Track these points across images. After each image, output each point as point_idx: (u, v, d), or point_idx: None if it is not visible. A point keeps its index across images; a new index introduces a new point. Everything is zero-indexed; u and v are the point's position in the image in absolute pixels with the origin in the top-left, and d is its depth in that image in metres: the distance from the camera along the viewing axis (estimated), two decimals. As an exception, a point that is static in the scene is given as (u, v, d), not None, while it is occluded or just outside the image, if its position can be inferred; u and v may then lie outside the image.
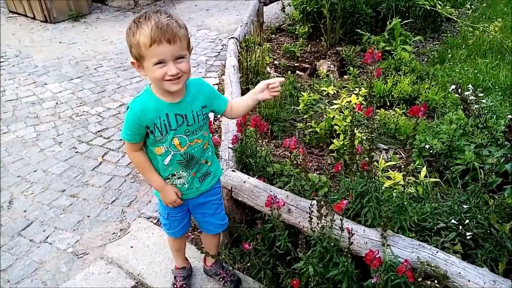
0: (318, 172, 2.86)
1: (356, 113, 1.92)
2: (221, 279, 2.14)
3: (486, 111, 3.15)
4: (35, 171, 3.14)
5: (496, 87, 3.89)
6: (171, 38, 1.39)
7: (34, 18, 6.84)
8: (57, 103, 4.17)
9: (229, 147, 2.38)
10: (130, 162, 3.24)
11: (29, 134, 3.62)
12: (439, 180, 2.57)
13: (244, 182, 2.09)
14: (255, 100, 1.74)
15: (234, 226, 2.18)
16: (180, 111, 1.58)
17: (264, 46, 4.43)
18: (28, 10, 6.83)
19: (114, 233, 2.57)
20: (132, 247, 2.44)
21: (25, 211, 2.75)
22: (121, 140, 3.53)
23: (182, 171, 1.70)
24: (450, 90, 2.32)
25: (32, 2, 6.63)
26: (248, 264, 2.13)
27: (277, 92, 1.67)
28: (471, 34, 5.26)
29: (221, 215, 1.97)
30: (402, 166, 2.69)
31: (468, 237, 1.88)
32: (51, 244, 2.50)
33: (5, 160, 3.26)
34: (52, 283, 2.25)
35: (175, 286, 2.12)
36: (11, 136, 3.59)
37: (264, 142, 3.17)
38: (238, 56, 3.96)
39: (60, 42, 5.91)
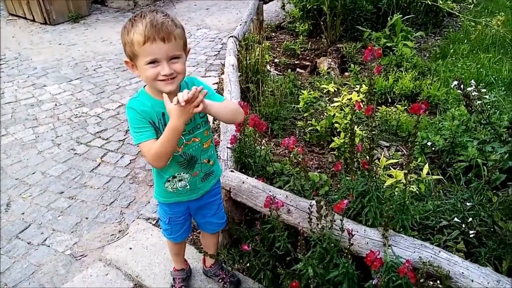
0: (319, 170, 2.82)
1: (356, 111, 1.88)
2: (220, 280, 2.11)
3: (489, 106, 3.10)
4: (33, 173, 3.12)
5: (499, 82, 3.84)
6: (166, 36, 1.35)
7: (33, 20, 6.83)
8: (56, 104, 4.15)
9: (227, 147, 2.34)
10: (129, 163, 3.21)
11: (28, 136, 3.59)
12: (442, 177, 2.52)
13: (243, 182, 2.05)
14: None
15: (233, 227, 2.15)
16: None
17: (263, 45, 4.39)
18: (28, 12, 6.82)
19: (112, 234, 2.55)
20: (130, 248, 2.41)
21: (23, 213, 2.72)
22: (120, 141, 3.51)
23: (184, 173, 1.67)
24: (452, 85, 2.28)
25: (32, 4, 6.61)
26: (248, 265, 2.10)
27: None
28: (473, 28, 5.20)
29: (221, 214, 1.97)
30: (404, 164, 2.65)
31: (471, 235, 1.84)
32: (49, 246, 2.47)
33: (4, 162, 3.24)
34: (50, 285, 2.22)
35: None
36: (9, 138, 3.57)
37: (264, 141, 3.14)
38: (238, 55, 3.93)
39: (59, 44, 5.89)
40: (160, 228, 2.51)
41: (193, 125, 1.61)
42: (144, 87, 1.57)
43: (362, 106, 1.84)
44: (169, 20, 1.38)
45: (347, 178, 1.91)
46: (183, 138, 1.58)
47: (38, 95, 4.35)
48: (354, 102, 2.81)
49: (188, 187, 1.72)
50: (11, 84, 4.61)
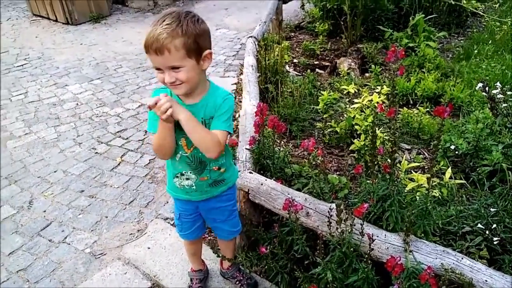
0: (338, 173, 2.79)
1: (378, 113, 1.85)
2: (237, 282, 2.11)
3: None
4: (55, 171, 3.17)
5: (525, 84, 3.73)
6: (158, 49, 1.35)
7: (56, 21, 6.95)
8: (77, 104, 4.21)
9: (246, 148, 2.34)
10: (149, 163, 3.24)
11: (50, 135, 3.66)
12: (465, 181, 2.46)
13: (262, 184, 2.04)
14: None
15: (251, 229, 2.14)
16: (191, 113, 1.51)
17: (283, 45, 4.37)
18: (51, 12, 6.95)
19: (131, 233, 2.57)
20: (149, 248, 2.43)
21: (44, 211, 2.77)
22: (140, 140, 3.54)
23: (191, 173, 1.66)
24: (477, 88, 2.22)
25: (54, 5, 6.73)
26: (266, 267, 2.09)
27: None
28: (498, 29, 5.06)
29: (233, 222, 1.92)
30: (427, 168, 2.60)
31: (495, 242, 1.79)
32: (69, 244, 2.51)
33: (26, 160, 3.31)
34: (70, 283, 2.25)
35: None
36: (32, 137, 3.64)
37: (282, 143, 3.12)
38: (257, 55, 3.92)
39: (81, 44, 5.98)
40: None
41: None
42: None
43: (384, 108, 1.81)
44: (171, 29, 1.34)
45: (368, 181, 1.88)
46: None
47: (60, 94, 4.43)
48: (375, 104, 2.78)
49: (194, 187, 1.70)
50: (34, 83, 4.70)
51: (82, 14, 6.84)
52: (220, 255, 1.96)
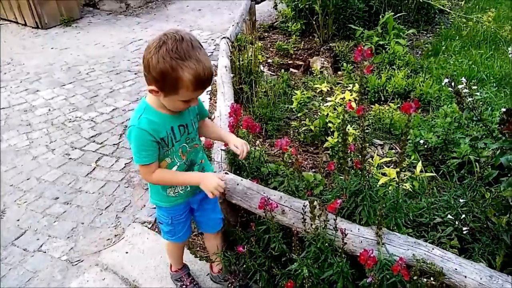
0: (313, 170, 2.83)
1: (349, 111, 1.89)
2: (230, 285, 2.11)
3: (481, 103, 3.12)
4: (28, 179, 3.11)
5: (491, 78, 3.87)
6: (208, 85, 1.46)
7: (25, 25, 6.79)
8: (49, 109, 4.13)
9: (221, 149, 2.35)
10: (124, 167, 3.21)
11: (22, 142, 3.58)
12: (435, 174, 2.54)
13: (237, 184, 2.05)
14: (224, 140, 1.92)
15: (229, 229, 2.15)
16: (182, 121, 1.61)
17: (256, 45, 4.39)
18: (19, 16, 6.78)
19: (108, 239, 2.55)
20: (127, 252, 2.41)
21: (18, 220, 2.72)
22: (115, 145, 3.51)
23: None
24: (443, 83, 2.29)
25: (23, 8, 6.57)
26: (244, 266, 2.10)
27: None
28: (464, 25, 5.23)
29: (218, 208, 2.01)
30: (397, 162, 2.67)
31: (464, 232, 1.86)
32: (45, 252, 2.47)
33: (-2, 169, 3.23)
34: (47, 292, 2.22)
35: (185, 286, 2.10)
36: (3, 145, 3.55)
37: (258, 142, 3.14)
38: (230, 56, 3.93)
39: (52, 48, 5.86)
40: (158, 232, 2.53)
41: (195, 133, 1.70)
42: (145, 99, 1.57)
43: (354, 106, 1.85)
44: (207, 55, 1.44)
45: (341, 177, 1.92)
46: (187, 146, 1.67)
47: (31, 100, 4.33)
48: (352, 99, 2.83)
49: (189, 188, 1.77)
50: (4, 89, 4.59)
51: (52, 17, 6.70)
52: (209, 260, 1.98)
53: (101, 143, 3.56)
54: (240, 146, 1.80)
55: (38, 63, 5.34)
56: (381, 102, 3.70)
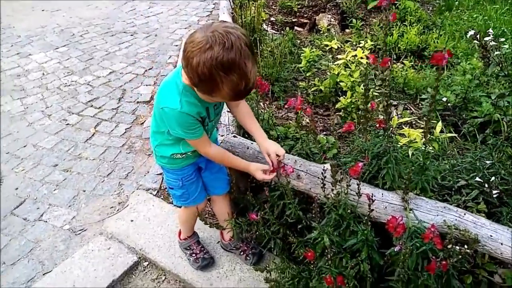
0: (324, 133, 2.69)
1: (368, 66, 1.73)
2: (242, 253, 2.03)
3: (505, 58, 2.94)
4: (24, 146, 2.96)
5: (509, 34, 3.66)
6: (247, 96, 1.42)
7: (14, -15, 6.46)
8: (43, 74, 3.93)
9: (228, 111, 2.20)
10: (125, 132, 3.07)
11: (16, 108, 3.41)
12: (456, 135, 2.40)
13: (247, 148, 1.92)
14: (254, 138, 1.77)
15: (239, 195, 2.03)
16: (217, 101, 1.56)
17: (259, 2, 4.15)
18: (7, -24, 6.43)
19: (112, 207, 2.44)
20: (132, 220, 2.30)
21: (16, 188, 2.59)
22: (113, 109, 3.35)
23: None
24: (468, 36, 2.12)
25: (10, -33, 6.22)
26: (257, 234, 2.00)
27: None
28: (478, -22, 4.95)
29: (224, 169, 1.94)
30: (422, 122, 2.53)
31: (494, 196, 1.73)
32: (46, 222, 2.36)
33: (-8, 136, 3.08)
34: (49, 262, 2.12)
35: (195, 254, 2.01)
36: (-3, 110, 3.39)
37: (265, 104, 2.98)
38: (232, 13, 3.71)
39: (42, 10, 5.57)
40: (164, 199, 2.42)
41: (222, 108, 1.67)
42: (181, 78, 1.45)
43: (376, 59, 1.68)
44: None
45: (361, 139, 1.78)
46: (214, 123, 1.67)
47: (24, 64, 4.12)
48: (365, 57, 2.64)
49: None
50: (-6, 54, 4.37)
51: (41, -23, 6.35)
52: (219, 227, 1.88)
53: (99, 107, 3.39)
54: (272, 153, 1.66)
55: (29, 25, 5.07)
56: (394, 61, 3.51)
